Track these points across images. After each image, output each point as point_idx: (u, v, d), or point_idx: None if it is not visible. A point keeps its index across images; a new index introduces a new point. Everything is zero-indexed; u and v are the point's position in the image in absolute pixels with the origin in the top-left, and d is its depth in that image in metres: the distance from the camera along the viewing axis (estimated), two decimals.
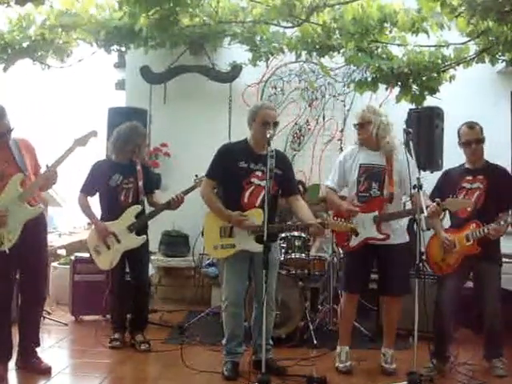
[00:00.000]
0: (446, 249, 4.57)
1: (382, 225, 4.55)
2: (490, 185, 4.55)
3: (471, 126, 4.66)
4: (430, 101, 6.32)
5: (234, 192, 4.44)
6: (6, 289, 4.39)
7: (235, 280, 4.47)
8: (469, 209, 4.51)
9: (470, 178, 4.65)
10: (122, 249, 5.13)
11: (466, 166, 4.74)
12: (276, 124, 4.48)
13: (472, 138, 4.62)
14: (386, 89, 6.45)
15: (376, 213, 4.54)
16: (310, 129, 7.64)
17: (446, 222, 4.86)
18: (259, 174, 4.39)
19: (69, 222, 10.39)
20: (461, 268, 4.55)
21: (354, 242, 4.58)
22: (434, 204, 4.30)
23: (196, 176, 5.15)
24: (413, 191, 4.41)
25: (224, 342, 4.55)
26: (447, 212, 4.73)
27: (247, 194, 4.41)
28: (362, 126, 4.61)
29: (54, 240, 8.69)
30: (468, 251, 4.48)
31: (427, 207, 4.19)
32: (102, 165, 5.28)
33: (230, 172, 4.44)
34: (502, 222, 4.37)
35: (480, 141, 4.64)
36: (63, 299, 6.49)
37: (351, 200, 4.67)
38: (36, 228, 4.40)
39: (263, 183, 4.29)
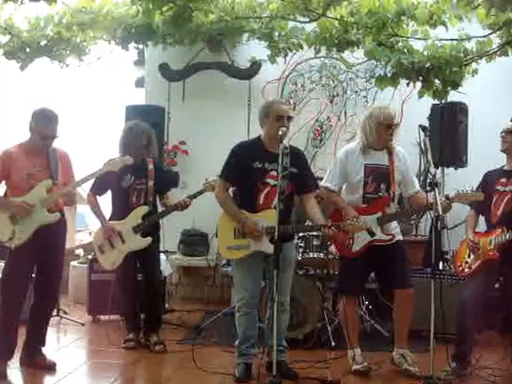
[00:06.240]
0: (470, 251, 4.40)
1: (386, 225, 4.43)
2: None
3: None
4: (455, 97, 6.17)
5: (249, 193, 4.34)
6: (21, 288, 4.42)
7: (249, 280, 4.38)
8: (498, 213, 4.28)
9: (504, 180, 4.40)
10: (125, 249, 5.06)
11: (506, 167, 4.49)
12: (290, 119, 4.33)
13: None
14: (408, 84, 6.30)
15: (379, 214, 4.41)
16: (331, 125, 7.50)
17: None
18: (275, 173, 4.23)
19: None
20: (489, 273, 4.36)
21: (357, 246, 4.45)
22: (444, 199, 4.15)
23: (206, 180, 5.10)
24: (417, 189, 4.39)
25: (237, 343, 4.47)
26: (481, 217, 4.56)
27: (262, 195, 4.30)
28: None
29: (84, 238, 8.74)
30: (488, 257, 4.29)
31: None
32: None
33: (245, 173, 4.32)
34: None
35: None
36: (82, 298, 6.47)
37: (353, 202, 4.52)
38: (56, 231, 4.47)
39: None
